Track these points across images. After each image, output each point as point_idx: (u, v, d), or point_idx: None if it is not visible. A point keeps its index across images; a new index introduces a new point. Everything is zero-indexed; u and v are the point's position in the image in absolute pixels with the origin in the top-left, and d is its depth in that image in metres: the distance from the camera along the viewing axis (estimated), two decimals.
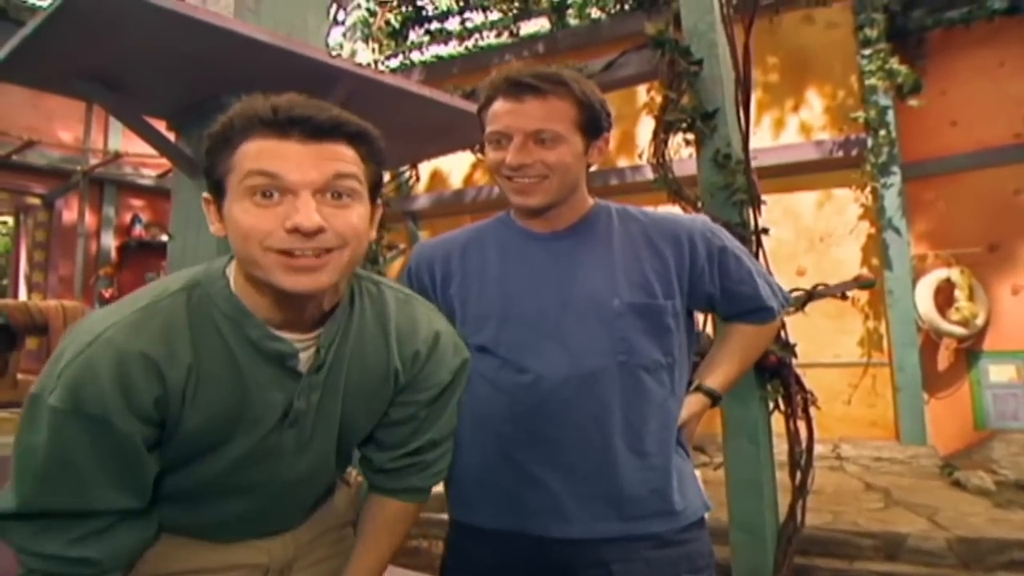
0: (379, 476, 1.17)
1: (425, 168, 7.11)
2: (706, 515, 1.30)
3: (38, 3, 5.91)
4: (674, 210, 4.00)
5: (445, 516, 1.34)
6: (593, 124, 1.26)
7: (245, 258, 0.89)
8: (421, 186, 7.36)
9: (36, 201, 6.65)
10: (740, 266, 1.33)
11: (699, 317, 1.47)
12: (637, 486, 1.20)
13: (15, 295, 6.56)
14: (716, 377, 1.39)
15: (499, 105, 1.24)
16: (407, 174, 6.65)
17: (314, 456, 1.05)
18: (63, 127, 6.61)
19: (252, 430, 0.97)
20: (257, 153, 0.87)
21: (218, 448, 0.97)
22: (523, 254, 1.30)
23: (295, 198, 0.86)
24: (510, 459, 1.22)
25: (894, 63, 5.40)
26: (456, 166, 7.17)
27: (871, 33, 5.53)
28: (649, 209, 1.38)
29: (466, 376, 1.19)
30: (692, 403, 1.35)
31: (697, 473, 1.40)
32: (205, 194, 0.95)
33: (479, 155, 1.40)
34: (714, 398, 1.37)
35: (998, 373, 5.49)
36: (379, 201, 1.01)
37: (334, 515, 1.22)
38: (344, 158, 0.90)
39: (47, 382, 0.86)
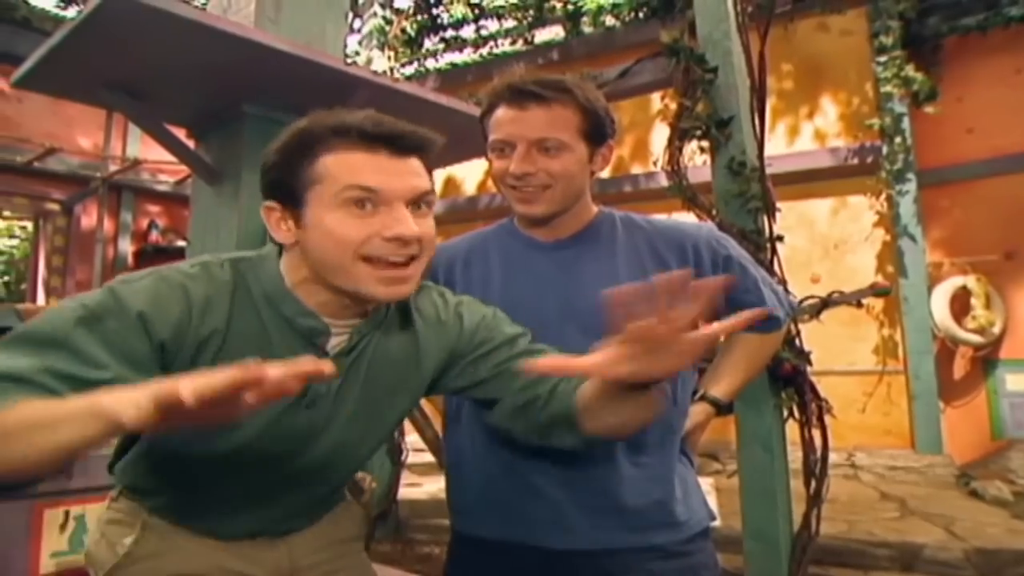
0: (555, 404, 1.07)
1: (439, 175, 7.15)
2: (712, 525, 1.29)
3: (61, 13, 6.01)
4: (688, 217, 4.00)
5: None
6: (597, 131, 1.24)
7: (334, 265, 0.93)
8: (435, 192, 7.40)
9: (55, 207, 6.75)
10: (746, 275, 1.32)
11: None
12: (639, 497, 1.20)
13: (33, 299, 6.65)
14: (721, 386, 1.39)
15: (502, 113, 1.23)
16: None
17: (330, 445, 1.05)
18: (83, 134, 6.70)
19: (267, 409, 0.94)
20: (353, 166, 0.91)
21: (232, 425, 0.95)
22: (526, 263, 1.30)
23: (390, 209, 0.92)
24: (512, 470, 1.21)
25: (909, 70, 5.39)
26: (470, 173, 7.21)
27: (886, 40, 5.52)
28: (655, 217, 1.36)
29: (503, 315, 1.17)
30: (697, 413, 1.35)
31: (710, 481, 1.40)
32: (270, 203, 0.97)
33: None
34: (719, 407, 1.37)
35: (1015, 382, 5.44)
36: None
37: (337, 528, 1.21)
38: (423, 173, 0.98)
39: (120, 277, 0.92)
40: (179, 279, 0.92)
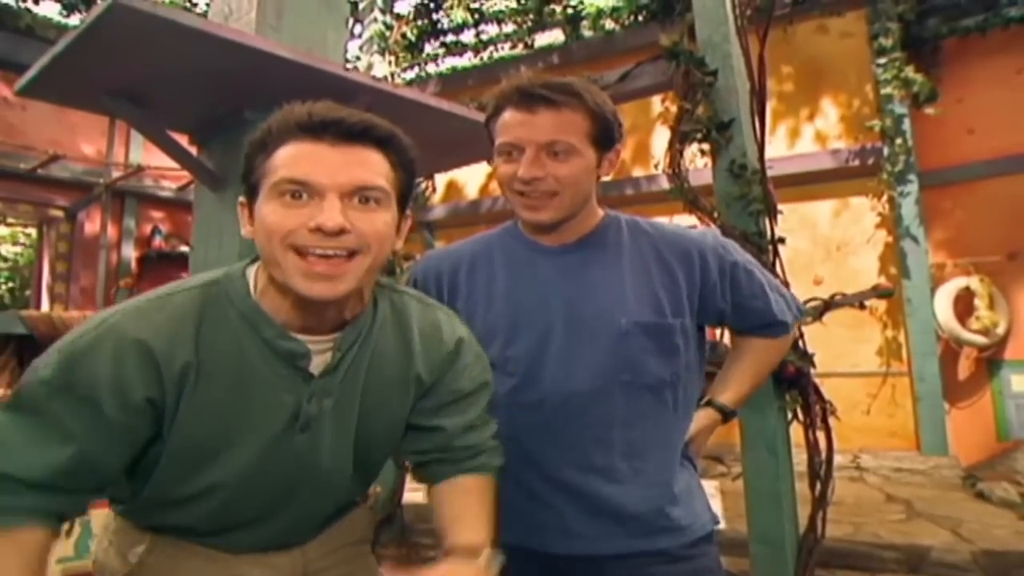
0: (435, 467, 1.12)
1: (441, 179, 7.16)
2: (717, 528, 1.29)
3: (64, 21, 6.03)
4: (690, 220, 4.00)
5: None
6: (606, 136, 1.23)
7: (268, 257, 0.92)
8: (437, 196, 7.41)
9: (59, 213, 6.77)
10: (752, 280, 1.31)
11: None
12: (640, 503, 1.20)
13: (38, 306, 6.67)
14: (728, 393, 1.38)
15: (509, 116, 1.21)
16: (423, 185, 6.70)
17: (331, 466, 1.03)
18: (86, 141, 6.73)
19: (258, 432, 0.96)
20: (290, 157, 0.90)
21: (223, 452, 0.96)
22: (530, 268, 1.28)
23: (322, 200, 0.89)
24: (515, 477, 1.21)
25: (909, 72, 5.39)
26: (472, 177, 7.22)
27: (886, 42, 5.52)
28: (661, 221, 1.35)
29: (489, 394, 1.13)
30: (701, 418, 1.34)
31: (715, 484, 1.40)
32: (241, 198, 0.97)
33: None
34: (725, 414, 1.37)
35: (1021, 383, 5.42)
36: (408, 211, 1.02)
37: (348, 531, 1.20)
38: (373, 164, 0.93)
39: (46, 358, 0.89)
40: (127, 332, 0.89)
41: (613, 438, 1.20)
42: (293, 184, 0.89)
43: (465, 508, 1.07)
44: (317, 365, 0.98)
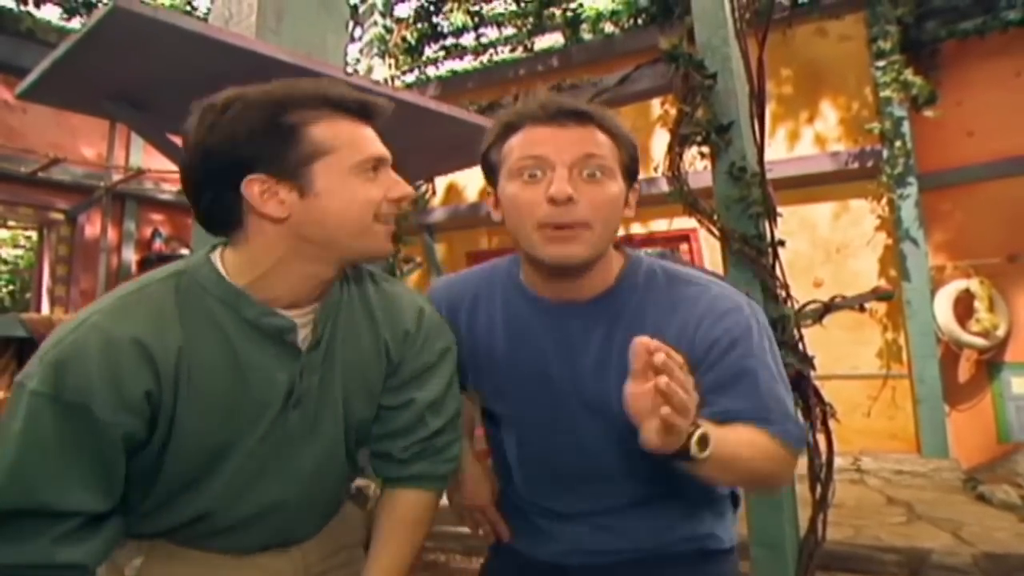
0: (392, 467, 1.15)
1: (441, 182, 7.16)
2: (732, 544, 1.24)
3: (65, 24, 6.04)
4: (689, 223, 4.00)
5: (463, 529, 1.34)
6: (633, 166, 1.09)
7: (354, 230, 0.96)
8: (437, 199, 7.41)
9: (59, 216, 6.77)
10: (742, 381, 1.05)
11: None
12: (654, 519, 1.17)
13: (38, 309, 6.67)
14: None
15: (531, 132, 1.05)
16: (423, 188, 6.70)
17: (323, 443, 1.04)
18: (86, 144, 6.74)
19: (259, 417, 0.96)
20: (359, 138, 0.98)
21: (227, 442, 0.95)
22: (531, 332, 1.14)
23: (388, 173, 0.99)
24: (535, 497, 1.21)
25: (908, 74, 5.39)
26: (471, 180, 7.23)
27: (885, 45, 5.53)
28: (693, 282, 1.11)
29: (453, 361, 1.16)
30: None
31: None
32: (256, 176, 0.94)
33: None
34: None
35: (1021, 385, 5.42)
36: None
37: (344, 531, 1.20)
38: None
39: (30, 369, 0.86)
40: (114, 331, 0.86)
41: (625, 488, 1.15)
42: (376, 161, 0.98)
43: (387, 562, 1.12)
44: (302, 339, 0.99)
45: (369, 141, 0.97)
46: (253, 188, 0.91)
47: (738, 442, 0.99)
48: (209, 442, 0.94)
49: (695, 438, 0.88)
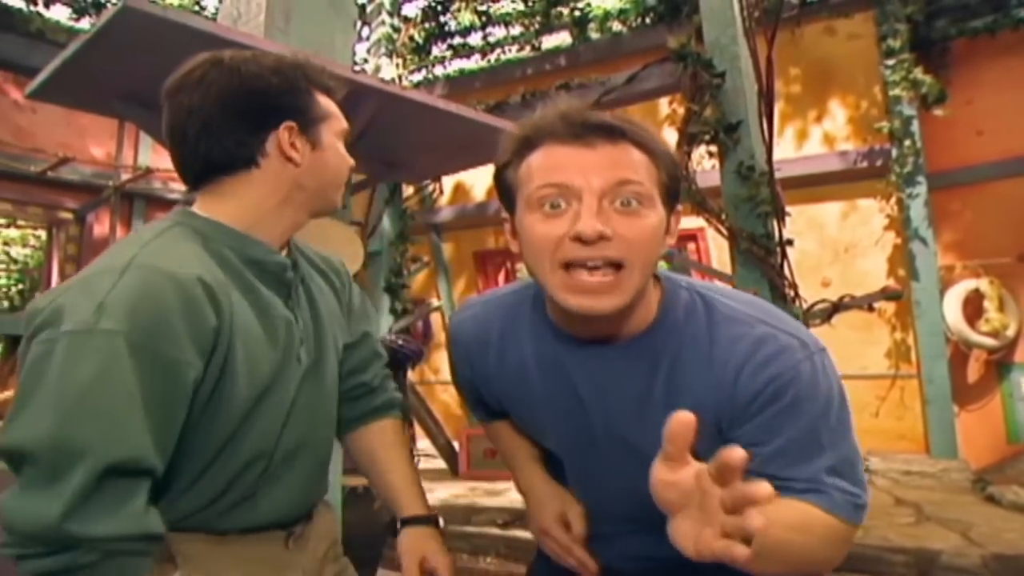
0: (368, 399, 1.24)
1: (448, 181, 7.18)
2: None
3: (74, 25, 6.08)
4: (697, 222, 3.99)
5: (469, 528, 1.34)
6: (675, 188, 0.93)
7: (340, 183, 1.11)
8: (444, 199, 7.43)
9: (68, 216, 6.82)
10: (807, 451, 0.90)
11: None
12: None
13: None
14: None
15: (552, 153, 0.89)
16: (430, 187, 6.71)
17: (328, 383, 1.10)
18: (95, 143, 6.77)
19: (284, 351, 0.99)
20: (333, 111, 1.09)
21: (270, 383, 0.96)
22: (564, 372, 1.02)
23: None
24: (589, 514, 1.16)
25: (918, 73, 5.37)
26: (479, 179, 7.23)
27: (894, 43, 5.50)
28: (729, 320, 0.96)
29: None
30: None
31: None
32: (290, 123, 1.04)
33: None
34: None
35: None
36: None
37: (329, 528, 1.19)
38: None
39: (83, 315, 0.78)
40: (178, 270, 0.85)
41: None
42: (346, 133, 1.10)
43: (404, 471, 1.22)
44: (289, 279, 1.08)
45: (342, 116, 1.12)
46: (285, 134, 1.00)
47: (790, 528, 0.83)
48: (256, 376, 0.94)
49: None
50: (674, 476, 0.70)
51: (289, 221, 1.05)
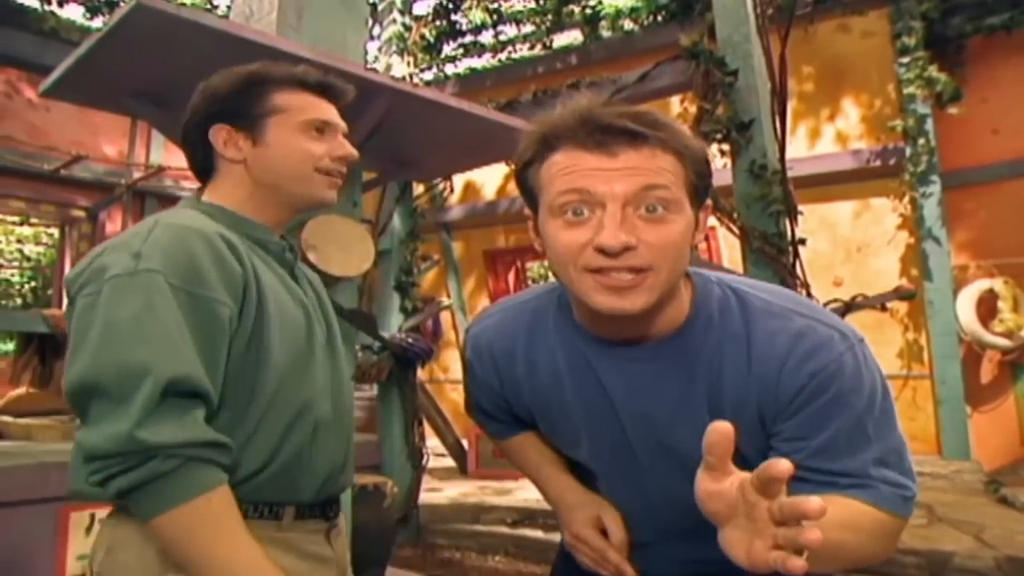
0: None
1: (459, 179, 7.17)
2: None
3: (88, 23, 6.11)
4: (710, 221, 3.98)
5: (478, 527, 1.32)
6: (704, 186, 0.89)
7: (296, 176, 1.12)
8: (455, 197, 7.43)
9: (81, 214, 6.86)
10: (852, 446, 0.88)
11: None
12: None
13: (59, 305, 6.76)
14: None
15: (571, 158, 0.85)
16: (441, 186, 6.71)
17: (340, 357, 1.18)
18: (108, 142, 6.82)
19: (301, 319, 1.08)
20: (312, 105, 1.13)
21: (310, 340, 1.07)
22: (596, 377, 0.99)
23: (334, 137, 1.14)
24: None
25: (933, 71, 5.32)
26: (489, 178, 7.23)
27: (909, 41, 5.46)
28: (766, 314, 0.93)
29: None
30: None
31: None
32: (219, 125, 1.10)
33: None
34: None
35: None
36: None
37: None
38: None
39: (123, 264, 0.88)
40: (205, 227, 0.97)
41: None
42: (322, 123, 1.13)
43: None
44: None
45: (319, 108, 1.13)
46: (218, 135, 1.10)
47: (841, 527, 0.81)
48: (288, 331, 1.03)
49: None
50: (718, 486, 0.69)
51: (267, 215, 1.12)
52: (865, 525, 0.85)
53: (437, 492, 4.62)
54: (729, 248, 5.70)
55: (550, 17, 7.21)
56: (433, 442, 5.67)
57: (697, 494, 0.71)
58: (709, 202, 0.93)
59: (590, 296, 0.86)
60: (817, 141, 5.96)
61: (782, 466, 0.62)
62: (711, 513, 0.71)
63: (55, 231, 8.07)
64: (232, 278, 0.94)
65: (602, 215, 0.82)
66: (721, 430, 0.66)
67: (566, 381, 1.01)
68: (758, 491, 0.65)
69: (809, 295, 3.46)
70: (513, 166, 0.97)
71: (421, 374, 4.78)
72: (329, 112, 1.15)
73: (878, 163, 5.59)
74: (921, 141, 5.36)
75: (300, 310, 1.08)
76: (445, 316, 7.45)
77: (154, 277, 0.87)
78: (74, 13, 6.08)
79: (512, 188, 7.13)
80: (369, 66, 6.77)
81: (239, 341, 0.95)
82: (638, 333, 0.93)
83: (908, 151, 5.41)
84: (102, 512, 2.15)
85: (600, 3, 6.89)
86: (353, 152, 1.16)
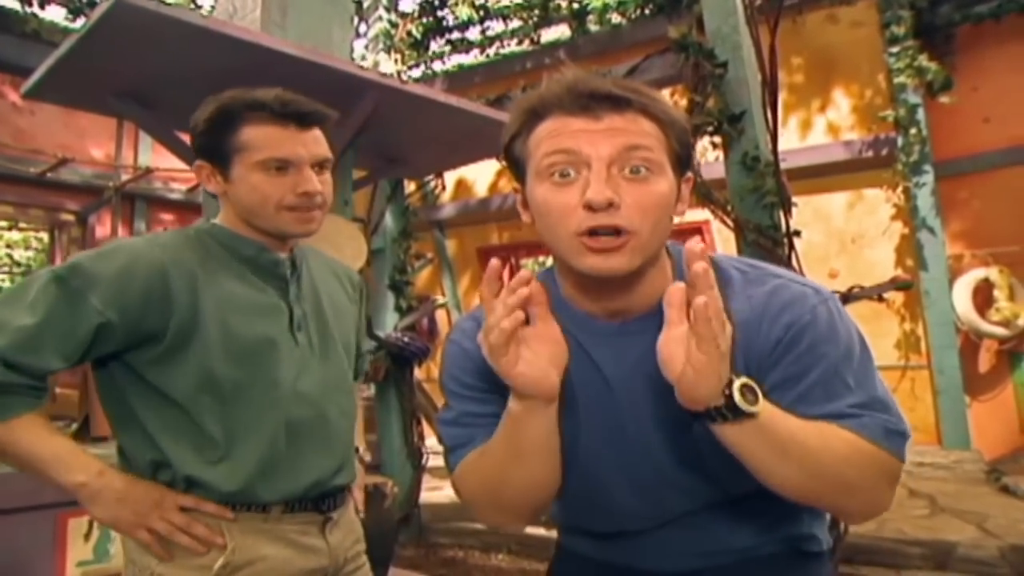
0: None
1: (450, 177, 7.13)
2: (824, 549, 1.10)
3: (70, 25, 6.05)
4: (703, 215, 3.95)
5: (480, 525, 1.31)
6: (686, 155, 0.92)
7: (259, 214, 1.18)
8: (447, 195, 7.39)
9: (70, 217, 6.80)
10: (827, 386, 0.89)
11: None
12: (751, 534, 1.04)
13: None
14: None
15: (558, 123, 0.88)
16: (432, 183, 6.67)
17: (333, 369, 1.24)
18: (95, 144, 6.75)
19: (269, 322, 1.17)
20: (271, 140, 1.16)
21: (271, 344, 1.15)
22: (584, 352, 0.98)
23: (299, 171, 1.17)
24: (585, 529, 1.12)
25: (923, 60, 5.30)
26: (481, 175, 7.19)
27: (898, 30, 5.44)
28: (743, 278, 0.96)
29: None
30: None
31: None
32: (200, 162, 1.22)
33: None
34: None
35: None
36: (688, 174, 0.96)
37: (355, 523, 1.33)
38: (323, 141, 1.22)
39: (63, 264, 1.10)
40: (144, 249, 1.11)
41: (712, 491, 1.00)
42: (280, 162, 1.16)
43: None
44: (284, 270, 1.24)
45: (280, 145, 1.15)
46: (200, 172, 1.20)
47: (803, 427, 0.83)
48: (234, 340, 1.13)
49: (736, 386, 0.78)
50: (672, 334, 0.79)
51: (260, 235, 1.20)
52: (835, 441, 0.85)
53: (438, 491, 4.59)
54: (724, 241, 5.68)
55: (537, 12, 7.18)
56: (432, 441, 5.64)
57: (659, 352, 0.80)
58: (690, 174, 0.95)
59: (578, 259, 0.87)
60: (809, 132, 5.95)
61: (697, 266, 0.74)
62: (667, 359, 0.80)
63: (44, 235, 8.00)
64: (139, 301, 1.07)
65: (588, 175, 0.85)
66: (678, 287, 0.79)
67: (573, 385, 0.97)
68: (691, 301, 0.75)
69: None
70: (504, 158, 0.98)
71: (418, 373, 4.76)
72: (289, 147, 1.15)
73: (870, 153, 5.57)
74: (913, 131, 5.35)
75: (268, 321, 1.17)
76: (440, 314, 7.41)
77: (48, 273, 1.07)
78: (56, 15, 6.02)
79: (505, 185, 7.10)
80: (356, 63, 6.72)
81: (149, 349, 1.10)
82: (624, 304, 0.95)
83: (900, 141, 5.40)
84: None
85: None
86: (317, 187, 1.16)
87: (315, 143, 1.19)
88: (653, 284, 0.94)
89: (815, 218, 5.67)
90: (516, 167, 0.95)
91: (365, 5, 6.84)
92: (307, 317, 1.22)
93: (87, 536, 2.12)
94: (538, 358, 0.87)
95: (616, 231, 0.85)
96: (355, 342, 1.36)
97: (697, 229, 6.12)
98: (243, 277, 1.18)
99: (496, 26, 7.54)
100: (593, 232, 0.85)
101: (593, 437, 1.00)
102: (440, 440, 1.11)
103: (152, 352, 1.10)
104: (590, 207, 0.84)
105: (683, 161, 0.91)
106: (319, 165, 1.19)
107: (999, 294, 5.23)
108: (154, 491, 1.11)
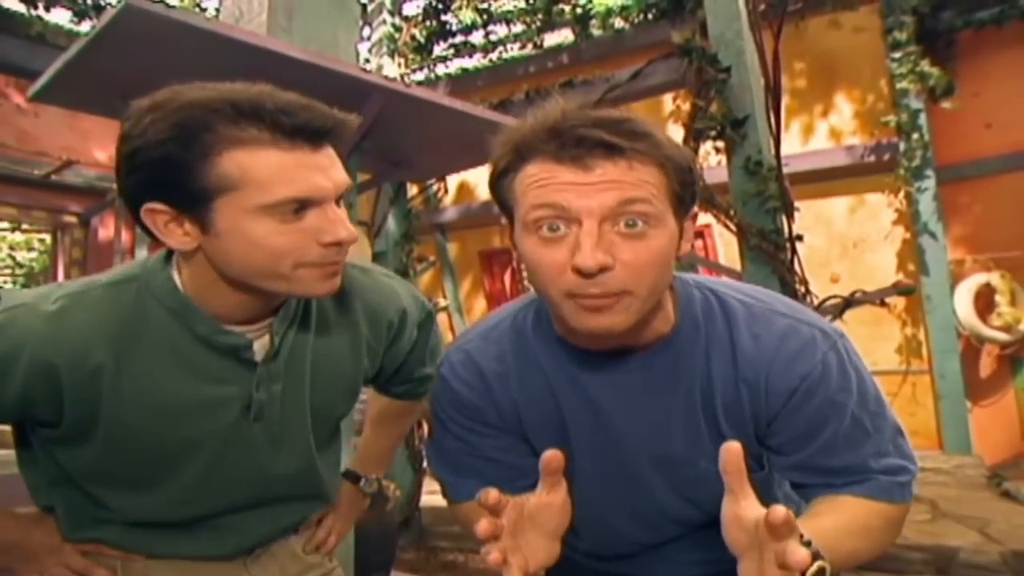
0: (385, 393, 1.28)
1: (453, 180, 7.14)
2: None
3: (75, 28, 6.06)
4: (705, 219, 3.96)
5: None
6: (688, 195, 0.85)
7: (266, 274, 0.85)
8: (449, 198, 7.40)
9: (73, 219, 6.81)
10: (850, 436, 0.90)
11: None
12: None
13: None
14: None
15: (545, 170, 0.80)
16: (435, 187, 6.68)
17: (293, 450, 1.01)
18: (98, 146, 6.76)
19: (211, 424, 0.92)
20: (278, 171, 0.83)
21: (188, 451, 0.93)
22: (585, 394, 0.95)
23: (323, 211, 0.84)
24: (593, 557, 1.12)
25: (925, 65, 5.31)
26: (483, 178, 7.19)
27: (900, 36, 5.45)
28: (749, 318, 0.93)
29: (434, 326, 1.20)
30: None
31: None
32: (152, 205, 0.86)
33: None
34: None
35: None
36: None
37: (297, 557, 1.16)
38: (339, 162, 0.90)
39: None
40: (31, 340, 0.82)
41: (705, 536, 0.99)
42: (298, 203, 0.84)
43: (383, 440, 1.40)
44: (258, 352, 0.93)
45: (293, 176, 0.79)
46: (155, 221, 0.82)
47: (850, 534, 0.83)
48: (170, 440, 0.92)
49: (811, 573, 0.70)
50: (739, 510, 0.70)
51: (237, 300, 0.88)
52: (872, 525, 0.87)
53: (438, 494, 4.58)
54: (725, 246, 5.69)
55: (540, 16, 7.19)
56: None
57: (723, 521, 0.71)
58: (695, 209, 0.89)
59: (570, 319, 0.83)
60: (811, 137, 5.96)
61: (779, 514, 0.63)
62: (733, 541, 0.71)
63: (47, 237, 8.01)
64: (14, 400, 0.83)
65: (578, 232, 0.78)
66: (731, 449, 0.68)
67: (557, 397, 0.97)
68: (768, 532, 0.66)
69: (807, 291, 3.45)
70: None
71: None
72: (308, 179, 0.80)
73: (872, 158, 5.58)
74: (915, 136, 5.36)
75: (206, 419, 0.92)
76: (442, 318, 7.42)
77: None
78: (62, 18, 6.04)
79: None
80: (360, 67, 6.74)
81: (43, 430, 0.90)
82: (622, 344, 0.91)
83: (902, 146, 5.40)
84: None
85: (590, 2, 6.87)
86: (352, 232, 0.83)
87: (333, 166, 0.84)
88: (654, 326, 0.90)
89: (817, 222, 5.67)
90: (504, 207, 0.89)
91: (369, 9, 6.87)
92: (274, 400, 0.96)
93: None
94: (542, 539, 0.81)
95: (609, 295, 0.80)
96: (345, 404, 1.11)
97: (699, 233, 6.14)
98: (188, 362, 0.89)
99: (499, 30, 7.55)
100: (584, 294, 0.80)
101: (591, 472, 1.00)
102: (429, 463, 1.17)
103: (47, 433, 0.90)
104: (579, 272, 0.77)
105: (685, 201, 0.85)
106: (343, 196, 0.86)
107: (1001, 299, 5.22)
108: (53, 536, 0.98)
